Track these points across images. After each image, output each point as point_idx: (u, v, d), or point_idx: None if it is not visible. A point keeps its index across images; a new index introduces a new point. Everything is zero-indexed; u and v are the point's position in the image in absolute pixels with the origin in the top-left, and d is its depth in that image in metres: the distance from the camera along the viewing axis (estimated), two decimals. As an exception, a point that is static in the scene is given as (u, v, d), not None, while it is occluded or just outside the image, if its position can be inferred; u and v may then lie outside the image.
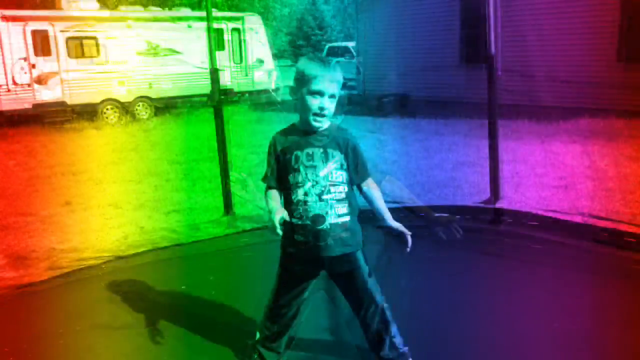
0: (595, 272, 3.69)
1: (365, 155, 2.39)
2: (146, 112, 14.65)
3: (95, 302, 3.46)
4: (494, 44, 4.82)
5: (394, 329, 2.45)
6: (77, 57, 13.73)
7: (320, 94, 2.25)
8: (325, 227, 2.28)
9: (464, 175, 6.74)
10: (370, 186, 2.40)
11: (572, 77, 11.11)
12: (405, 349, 2.46)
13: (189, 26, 15.30)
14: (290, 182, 2.31)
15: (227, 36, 16.52)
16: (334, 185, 2.29)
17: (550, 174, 6.82)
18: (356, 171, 2.36)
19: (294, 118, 2.43)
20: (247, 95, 17.39)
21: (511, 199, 5.31)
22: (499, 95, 4.99)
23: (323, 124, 2.31)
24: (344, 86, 2.48)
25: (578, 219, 4.50)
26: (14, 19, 12.79)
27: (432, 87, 13.61)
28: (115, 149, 9.87)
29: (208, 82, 5.14)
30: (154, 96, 14.82)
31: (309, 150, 2.30)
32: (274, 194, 2.36)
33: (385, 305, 2.43)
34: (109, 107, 14.05)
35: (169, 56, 15.09)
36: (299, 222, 2.30)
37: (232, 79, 16.64)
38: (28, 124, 12.50)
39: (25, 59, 12.98)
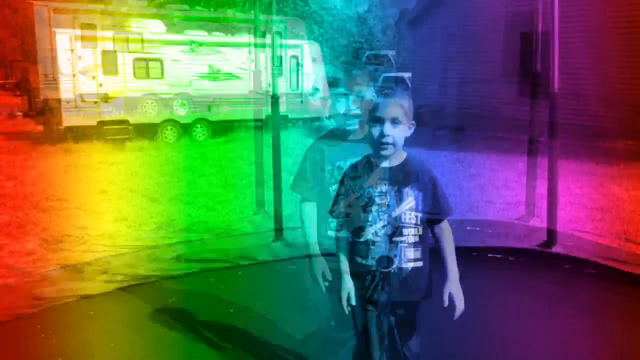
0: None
1: (445, 191, 2.24)
2: (204, 134, 15.04)
3: (144, 318, 3.53)
4: (556, 81, 4.73)
5: None
6: (141, 77, 14.30)
7: (380, 120, 2.14)
8: (392, 270, 2.17)
9: (519, 215, 6.56)
10: (443, 230, 2.25)
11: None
12: None
13: (249, 52, 15.71)
14: (359, 220, 2.20)
15: (285, 63, 16.86)
16: (406, 227, 2.17)
17: (610, 219, 6.56)
18: (434, 208, 2.21)
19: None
20: (300, 122, 17.62)
21: (567, 244, 5.12)
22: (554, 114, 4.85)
23: (389, 152, 2.16)
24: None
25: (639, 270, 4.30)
26: (86, 38, 13.49)
27: (488, 120, 13.46)
28: (172, 169, 10.16)
29: (265, 107, 5.24)
30: (212, 119, 15.22)
31: (382, 188, 2.18)
32: (344, 244, 2.25)
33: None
34: (169, 127, 14.52)
35: (228, 80, 15.51)
36: (363, 262, 2.20)
37: (288, 106, 16.91)
38: (91, 140, 13.03)
39: (93, 78, 13.62)
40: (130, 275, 4.20)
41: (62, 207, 7.01)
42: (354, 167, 2.28)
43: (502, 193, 7.56)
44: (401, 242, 2.16)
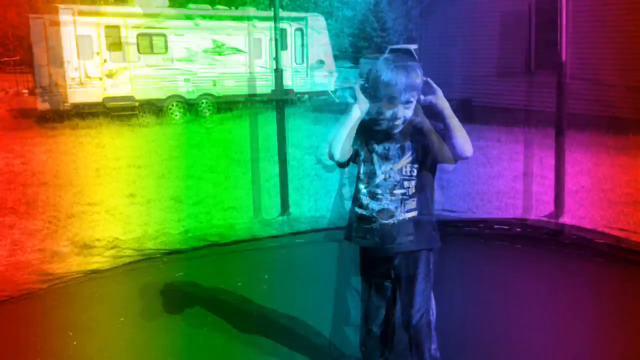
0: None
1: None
2: (209, 110, 15.00)
3: (152, 293, 3.58)
4: (564, 50, 4.66)
5: (435, 342, 2.42)
6: (146, 53, 14.22)
7: (394, 101, 2.16)
8: (393, 222, 2.21)
9: (527, 186, 6.54)
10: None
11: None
12: None
13: (254, 25, 15.55)
14: (362, 171, 2.27)
15: (290, 37, 16.69)
16: (406, 180, 2.23)
17: (618, 189, 6.53)
18: (439, 146, 2.22)
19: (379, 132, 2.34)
20: (306, 96, 17.51)
21: (575, 214, 5.11)
22: (567, 104, 4.82)
23: (398, 128, 2.23)
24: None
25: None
26: (89, 14, 13.38)
27: (497, 94, 13.28)
28: (178, 145, 10.17)
29: (270, 82, 5.18)
30: (217, 94, 15.16)
31: (386, 144, 2.24)
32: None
33: (433, 316, 2.38)
34: (174, 103, 14.48)
35: (234, 55, 15.39)
36: (364, 213, 2.25)
37: (293, 80, 16.80)
38: (97, 117, 13.04)
39: (97, 53, 13.55)
40: (138, 250, 4.24)
41: (69, 184, 7.05)
42: (363, 124, 2.27)
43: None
44: (402, 194, 2.22)
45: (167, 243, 4.43)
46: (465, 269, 3.73)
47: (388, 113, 2.17)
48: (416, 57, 18.68)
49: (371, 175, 2.24)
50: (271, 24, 5.17)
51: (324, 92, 18.11)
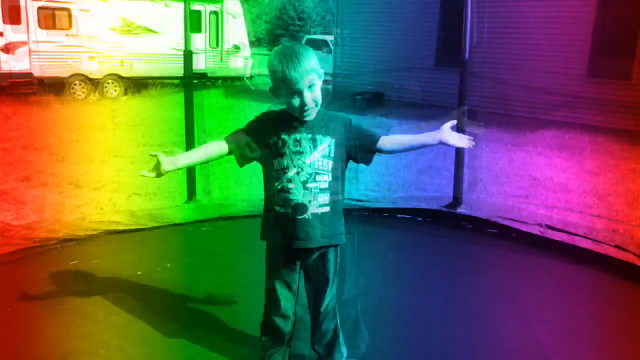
0: (548, 281, 3.78)
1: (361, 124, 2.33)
2: (115, 91, 14.34)
3: (43, 282, 3.38)
4: (467, 49, 4.87)
5: (341, 336, 2.47)
6: (47, 28, 13.34)
7: (299, 92, 2.12)
8: (306, 216, 2.20)
9: (430, 179, 6.81)
10: (385, 140, 2.31)
11: (545, 88, 11.34)
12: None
13: (167, 5, 15.01)
14: (274, 167, 2.22)
15: (205, 19, 16.28)
16: (319, 173, 2.20)
17: (513, 183, 6.95)
18: (364, 139, 2.28)
19: (267, 107, 2.34)
20: (221, 81, 17.19)
21: (473, 205, 5.38)
22: (469, 102, 5.05)
23: (313, 115, 2.20)
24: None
25: (535, 229, 4.59)
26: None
27: (407, 88, 13.69)
28: (80, 127, 9.64)
29: (182, 64, 5.01)
30: (125, 74, 14.51)
31: (297, 135, 2.20)
32: (208, 145, 2.25)
33: (336, 310, 2.43)
34: (77, 82, 13.70)
35: (144, 34, 14.79)
36: (281, 210, 2.22)
37: (207, 64, 16.42)
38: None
39: (-7, 26, 12.56)
40: (29, 238, 3.98)
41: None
42: (270, 116, 2.27)
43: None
44: (314, 188, 2.20)
45: (62, 230, 4.19)
46: (371, 256, 3.83)
47: (296, 103, 2.14)
48: (332, 48, 18.86)
49: (284, 169, 2.20)
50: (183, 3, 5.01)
51: (239, 78, 17.87)
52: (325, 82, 2.29)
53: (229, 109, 12.45)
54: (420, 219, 4.89)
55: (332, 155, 2.23)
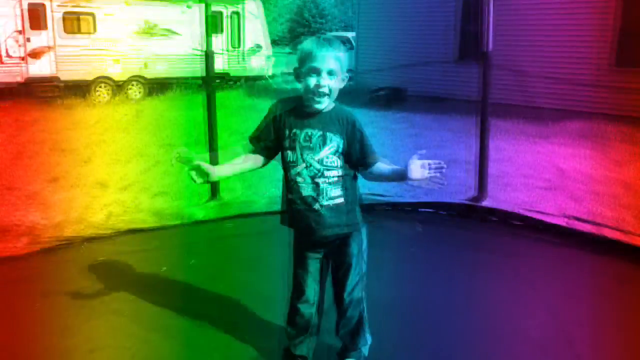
0: (575, 273, 3.72)
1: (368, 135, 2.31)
2: (139, 93, 14.53)
3: (71, 279, 3.45)
4: (489, 41, 4.81)
5: (366, 323, 2.49)
6: (72, 32, 13.57)
7: (317, 71, 2.17)
8: (317, 208, 2.26)
9: (452, 172, 6.74)
10: (374, 168, 2.29)
11: (567, 78, 11.13)
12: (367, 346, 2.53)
13: (189, 7, 15.14)
14: (286, 159, 2.30)
15: (225, 20, 16.38)
16: (328, 169, 2.25)
17: (538, 175, 6.85)
18: (361, 154, 2.27)
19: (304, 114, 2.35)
20: (242, 80, 17.27)
21: (497, 198, 5.32)
22: (492, 94, 5.00)
23: (323, 104, 2.23)
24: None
25: (562, 220, 4.52)
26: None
27: (428, 83, 13.58)
28: (105, 128, 9.80)
29: (203, 65, 5.06)
30: (148, 77, 14.69)
31: (308, 131, 2.25)
32: (241, 158, 2.33)
33: (364, 296, 2.45)
34: (102, 85, 13.93)
35: (166, 37, 14.95)
36: (292, 198, 2.30)
37: (228, 64, 16.52)
38: (19, 98, 12.37)
39: (20, 32, 12.82)
40: (55, 236, 4.06)
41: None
42: (286, 103, 2.32)
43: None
44: (323, 183, 2.25)
45: (89, 228, 4.27)
46: (393, 250, 3.82)
47: (311, 82, 2.18)
48: (353, 44, 18.83)
49: (294, 163, 2.26)
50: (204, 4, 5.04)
51: (261, 77, 17.93)
52: (348, 79, 2.33)
53: (251, 108, 12.51)
54: (443, 212, 4.86)
55: (341, 151, 2.27)
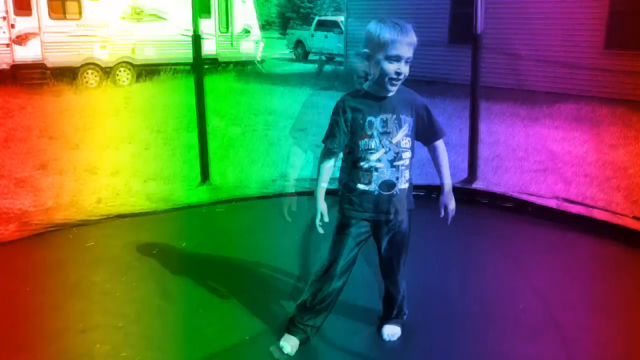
0: (564, 254, 3.74)
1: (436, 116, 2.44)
2: (127, 78, 14.37)
3: (62, 262, 3.42)
4: (480, 24, 4.78)
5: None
6: (58, 17, 13.35)
7: (398, 59, 2.20)
8: (394, 192, 2.35)
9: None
10: (440, 149, 2.47)
11: (561, 61, 11.14)
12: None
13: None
14: (361, 147, 2.31)
15: (214, 3, 16.19)
16: (404, 151, 2.33)
17: (530, 157, 6.86)
18: (432, 130, 2.41)
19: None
20: (232, 65, 17.13)
21: (489, 181, 5.33)
22: (483, 77, 4.97)
23: (396, 88, 2.29)
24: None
25: (553, 202, 4.53)
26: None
27: (420, 66, 13.52)
28: (94, 114, 9.70)
29: (192, 49, 4.98)
30: (136, 61, 14.51)
31: (383, 117, 2.30)
32: (327, 167, 2.38)
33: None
34: (89, 70, 13.75)
35: (154, 21, 14.76)
36: (366, 189, 2.34)
37: (218, 48, 16.37)
38: (5, 84, 12.20)
39: (4, 18, 12.60)
40: (45, 221, 4.01)
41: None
42: (352, 96, 2.34)
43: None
44: (401, 165, 2.34)
45: (79, 214, 4.22)
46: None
47: (391, 69, 2.20)
48: (343, 29, 18.71)
49: (372, 149, 2.30)
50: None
51: (250, 61, 17.80)
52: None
53: (241, 93, 12.43)
54: (435, 195, 4.84)
55: (411, 133, 2.36)
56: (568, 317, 2.90)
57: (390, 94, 2.31)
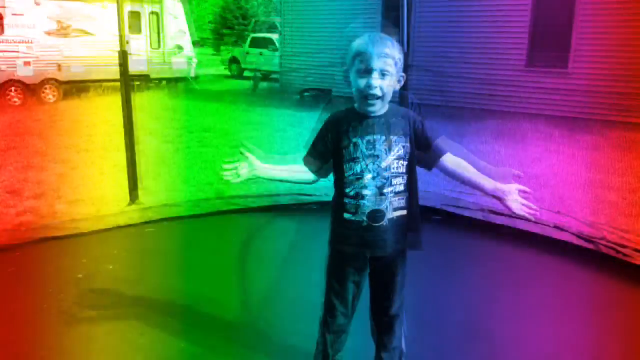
0: (491, 264, 3.88)
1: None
2: (54, 95, 13.84)
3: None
4: (406, 42, 4.94)
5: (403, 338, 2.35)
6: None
7: (368, 71, 1.98)
8: (383, 223, 2.06)
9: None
10: (447, 158, 2.13)
11: (485, 79, 11.64)
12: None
13: (104, 7, 14.60)
14: (345, 172, 2.06)
15: (144, 20, 15.92)
16: (395, 176, 2.05)
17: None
18: (423, 134, 2.10)
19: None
20: (164, 82, 16.85)
21: (420, 195, 5.45)
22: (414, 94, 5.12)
23: (377, 107, 2.04)
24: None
25: (479, 214, 4.70)
26: None
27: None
28: (17, 133, 9.26)
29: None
30: (62, 79, 14.00)
31: (370, 138, 2.04)
32: (292, 161, 2.14)
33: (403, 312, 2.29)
34: (12, 88, 13.15)
35: (81, 37, 14.32)
36: (352, 218, 2.07)
37: (149, 65, 16.06)
38: None
39: None
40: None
41: None
42: (339, 115, 2.13)
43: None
44: (389, 192, 2.05)
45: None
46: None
47: (362, 83, 1.99)
48: (277, 46, 18.81)
49: (358, 175, 2.05)
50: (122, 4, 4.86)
51: (183, 78, 17.56)
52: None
53: (174, 110, 12.22)
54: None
55: (406, 156, 2.08)
56: (498, 324, 3.01)
57: (376, 113, 2.06)
